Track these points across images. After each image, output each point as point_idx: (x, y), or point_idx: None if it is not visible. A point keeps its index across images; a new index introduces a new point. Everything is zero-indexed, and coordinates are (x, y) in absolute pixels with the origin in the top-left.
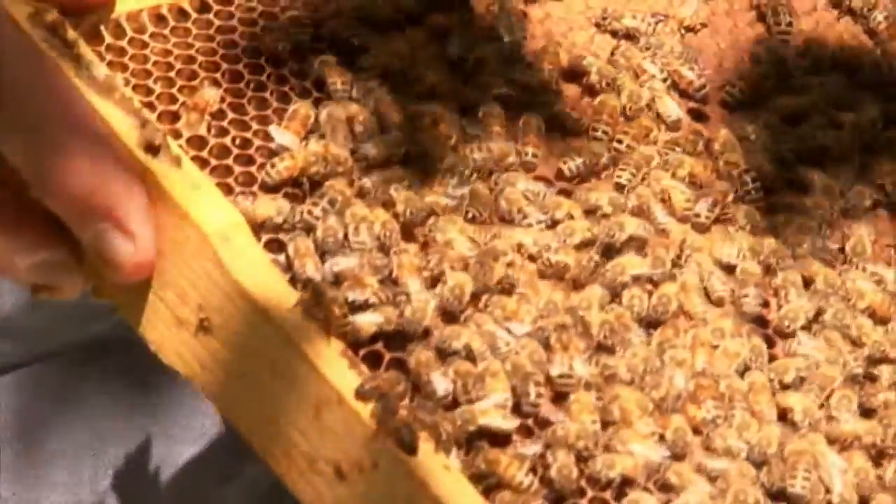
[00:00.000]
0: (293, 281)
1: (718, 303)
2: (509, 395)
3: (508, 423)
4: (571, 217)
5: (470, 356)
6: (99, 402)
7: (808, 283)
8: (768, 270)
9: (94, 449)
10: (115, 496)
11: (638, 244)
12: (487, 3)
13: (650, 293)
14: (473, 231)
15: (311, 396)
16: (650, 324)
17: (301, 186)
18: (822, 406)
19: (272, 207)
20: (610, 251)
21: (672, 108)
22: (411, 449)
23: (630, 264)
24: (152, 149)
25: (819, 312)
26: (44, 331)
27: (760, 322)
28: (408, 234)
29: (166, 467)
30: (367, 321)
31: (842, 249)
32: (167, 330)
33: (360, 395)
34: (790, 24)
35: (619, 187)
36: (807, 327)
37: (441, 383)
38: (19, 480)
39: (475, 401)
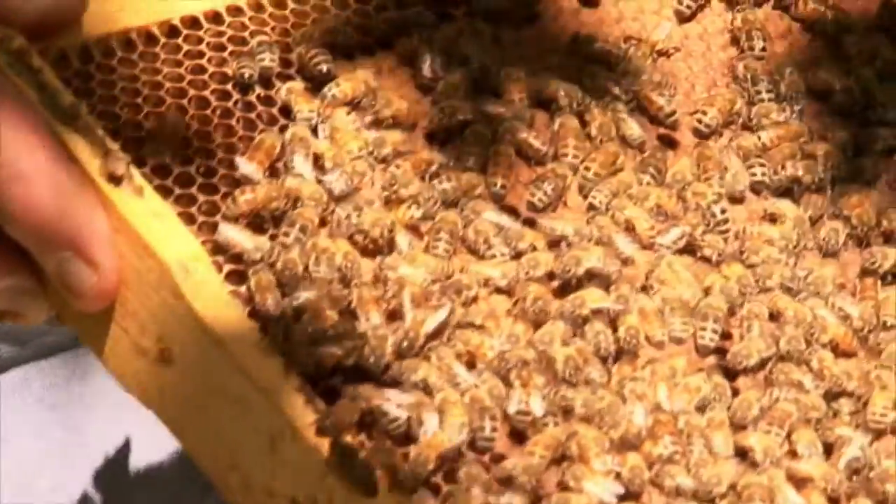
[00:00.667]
0: (253, 313)
1: (677, 342)
2: (466, 422)
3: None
4: (535, 248)
5: (427, 390)
6: (83, 403)
7: (774, 316)
8: (733, 304)
9: (81, 450)
10: (99, 499)
11: (600, 278)
12: (458, 28)
13: (614, 327)
14: (436, 262)
15: (267, 429)
16: (617, 358)
17: (263, 219)
18: (782, 444)
19: (248, 240)
20: (568, 286)
21: (635, 129)
22: (370, 490)
23: (591, 297)
24: (114, 178)
25: (779, 346)
26: (34, 332)
27: (722, 353)
28: (370, 257)
29: (150, 472)
30: (327, 353)
31: (808, 281)
32: (128, 359)
33: (321, 431)
34: (763, 48)
35: (592, 207)
36: (764, 363)
37: (395, 413)
38: (11, 481)
39: (429, 432)
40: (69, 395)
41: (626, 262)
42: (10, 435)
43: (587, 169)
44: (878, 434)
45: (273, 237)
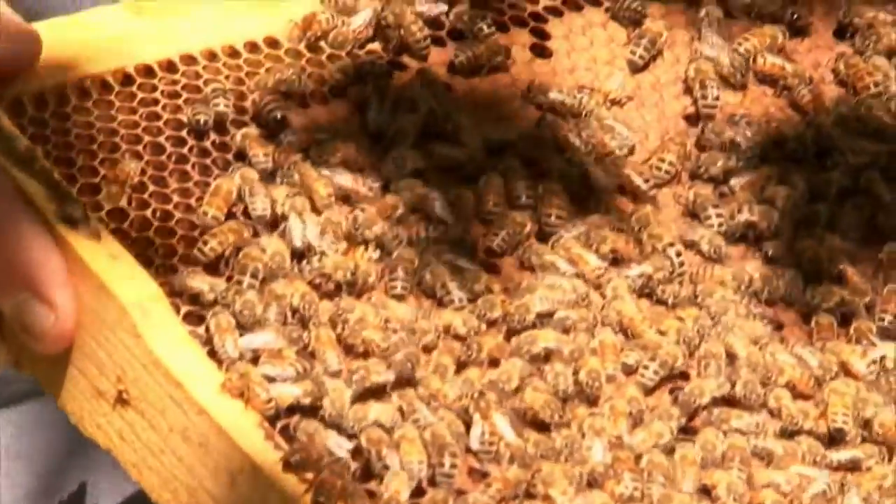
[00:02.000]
0: (212, 353)
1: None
2: (424, 461)
3: None
4: (490, 291)
5: (385, 428)
6: (50, 450)
7: (731, 356)
8: (690, 345)
9: (48, 499)
10: None
11: (554, 323)
12: (410, 76)
13: (576, 369)
14: (394, 304)
15: (227, 468)
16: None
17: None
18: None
19: (204, 282)
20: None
21: (600, 177)
22: None
23: (543, 337)
24: (71, 221)
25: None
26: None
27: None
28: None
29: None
30: (286, 393)
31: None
32: (87, 402)
33: (288, 466)
34: (717, 97)
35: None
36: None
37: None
38: None
39: (389, 468)
40: (36, 442)
41: (581, 301)
42: None
43: (548, 215)
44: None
45: (229, 278)
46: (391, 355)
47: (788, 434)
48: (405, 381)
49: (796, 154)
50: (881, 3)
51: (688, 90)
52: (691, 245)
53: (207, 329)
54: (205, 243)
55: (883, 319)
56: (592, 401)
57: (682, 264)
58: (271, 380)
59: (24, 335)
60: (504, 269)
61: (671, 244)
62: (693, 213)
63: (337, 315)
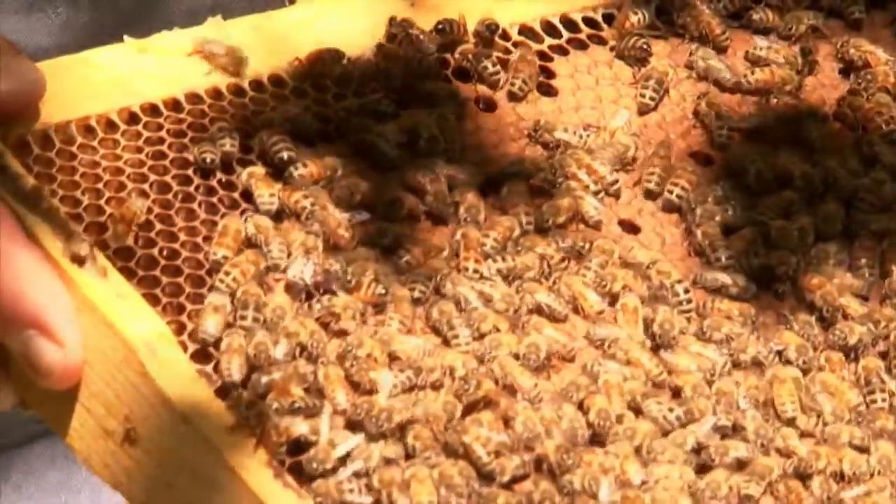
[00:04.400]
0: (220, 391)
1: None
2: (435, 500)
3: None
4: (498, 330)
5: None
6: (62, 489)
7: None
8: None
9: None
10: None
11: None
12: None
13: (585, 410)
14: (402, 339)
15: None
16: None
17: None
18: None
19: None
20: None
21: (592, 207)
22: None
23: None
24: (78, 259)
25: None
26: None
27: None
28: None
29: None
30: (295, 425)
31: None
32: (94, 441)
33: None
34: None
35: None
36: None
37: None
38: None
39: None
40: (46, 482)
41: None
42: None
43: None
44: None
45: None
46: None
47: (801, 476)
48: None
49: (803, 192)
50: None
51: (695, 126)
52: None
53: (218, 349)
54: (226, 274)
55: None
56: (603, 440)
57: (689, 301)
58: (279, 414)
59: (31, 372)
60: None
61: (679, 280)
62: (700, 253)
63: (345, 350)
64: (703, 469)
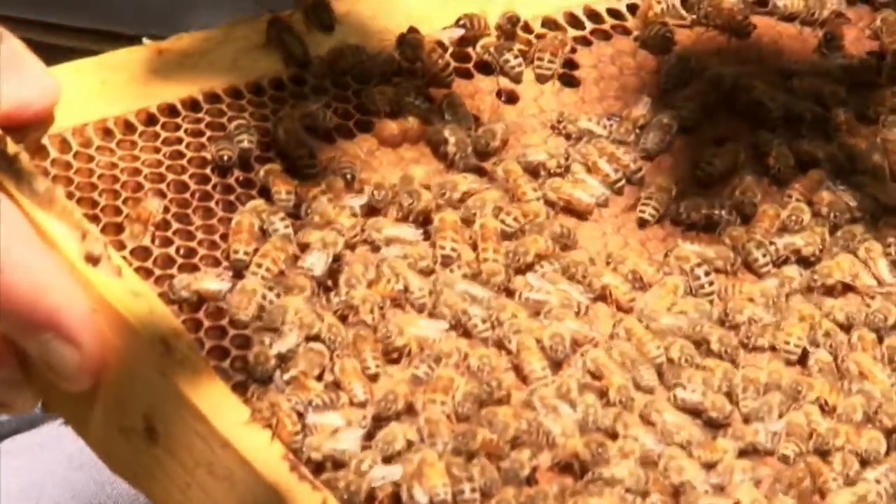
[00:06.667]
0: (236, 387)
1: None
2: (448, 482)
3: None
4: (516, 317)
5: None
6: None
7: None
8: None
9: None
10: None
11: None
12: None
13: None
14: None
15: (254, 500)
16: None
17: None
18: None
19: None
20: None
21: (594, 187)
22: None
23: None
24: (92, 259)
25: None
26: None
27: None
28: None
29: None
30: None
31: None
32: (113, 439)
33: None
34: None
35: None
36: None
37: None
38: None
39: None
40: None
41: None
42: (44, 490)
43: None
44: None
45: None
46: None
47: (822, 453)
48: None
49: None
50: None
51: None
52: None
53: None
54: (259, 265)
55: None
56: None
57: (711, 283)
58: (299, 413)
59: (51, 374)
60: None
61: (699, 264)
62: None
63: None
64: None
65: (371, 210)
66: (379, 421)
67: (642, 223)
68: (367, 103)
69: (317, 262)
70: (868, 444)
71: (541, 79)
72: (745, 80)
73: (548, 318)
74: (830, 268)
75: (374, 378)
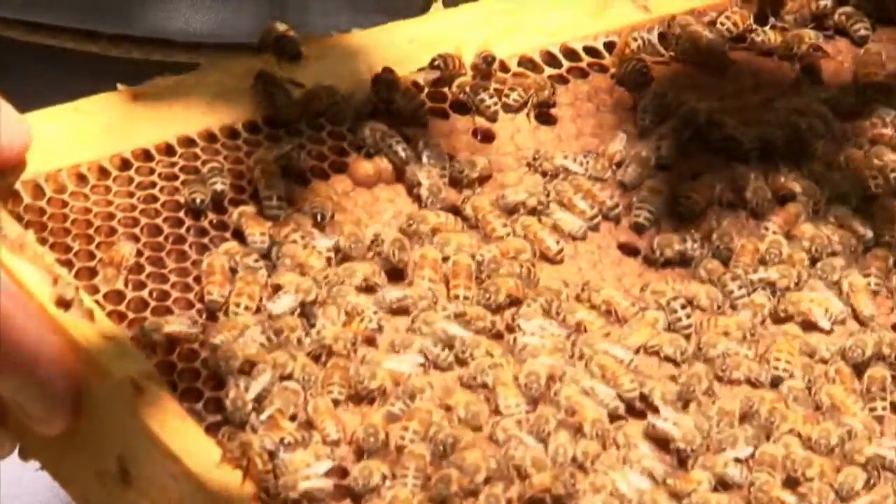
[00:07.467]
0: (208, 428)
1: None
2: None
3: None
4: (491, 356)
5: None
6: None
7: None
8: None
9: None
10: None
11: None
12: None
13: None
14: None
15: None
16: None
17: None
18: None
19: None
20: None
21: (571, 223)
22: None
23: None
24: (64, 303)
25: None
26: None
27: None
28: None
29: None
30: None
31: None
32: (89, 483)
33: None
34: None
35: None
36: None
37: None
38: None
39: None
40: None
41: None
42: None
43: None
44: None
45: None
46: None
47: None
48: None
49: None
50: None
51: None
52: None
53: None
54: (237, 305)
55: None
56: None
57: (688, 316)
58: (270, 453)
59: (25, 418)
60: None
61: (675, 298)
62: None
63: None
64: None
65: (345, 256)
66: (360, 456)
67: (639, 228)
68: (357, 140)
69: (284, 304)
70: (844, 478)
71: (506, 108)
72: (717, 116)
73: (522, 354)
74: (799, 297)
75: (336, 403)
